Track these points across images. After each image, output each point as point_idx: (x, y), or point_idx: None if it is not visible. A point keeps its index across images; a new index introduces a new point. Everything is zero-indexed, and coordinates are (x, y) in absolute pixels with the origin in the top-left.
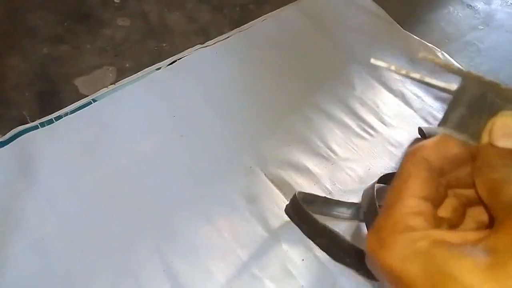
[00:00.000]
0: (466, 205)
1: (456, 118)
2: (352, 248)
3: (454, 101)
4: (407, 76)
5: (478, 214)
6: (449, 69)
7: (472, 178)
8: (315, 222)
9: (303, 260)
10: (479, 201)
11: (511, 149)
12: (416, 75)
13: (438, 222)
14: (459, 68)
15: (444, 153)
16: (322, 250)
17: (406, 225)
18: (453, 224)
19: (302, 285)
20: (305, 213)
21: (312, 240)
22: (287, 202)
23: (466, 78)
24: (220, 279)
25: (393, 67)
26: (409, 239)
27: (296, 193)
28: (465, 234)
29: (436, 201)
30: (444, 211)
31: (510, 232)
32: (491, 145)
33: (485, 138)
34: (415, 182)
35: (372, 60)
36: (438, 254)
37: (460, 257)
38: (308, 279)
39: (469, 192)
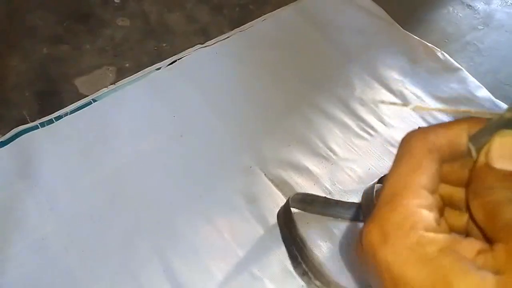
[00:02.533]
0: (445, 203)
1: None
2: (319, 272)
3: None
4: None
5: (452, 216)
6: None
7: (457, 177)
8: (295, 231)
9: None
10: (456, 204)
11: (510, 171)
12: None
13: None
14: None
15: (453, 144)
16: (290, 258)
17: (414, 222)
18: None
19: (302, 285)
20: (291, 219)
21: (286, 246)
22: None
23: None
24: (220, 279)
25: (440, 106)
26: (417, 241)
27: (290, 198)
28: (472, 244)
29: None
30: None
31: None
32: (488, 166)
33: (482, 159)
34: (426, 174)
35: (413, 107)
36: (446, 265)
37: (468, 273)
38: None
39: (451, 190)
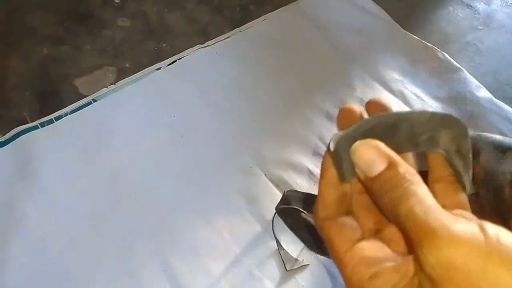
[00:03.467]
0: None
1: None
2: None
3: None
4: None
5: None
6: None
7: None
8: (299, 215)
9: (303, 260)
10: None
11: (382, 173)
12: None
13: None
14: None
15: (328, 202)
16: (303, 242)
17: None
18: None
19: (302, 285)
20: (291, 207)
21: (295, 234)
22: None
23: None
24: (219, 279)
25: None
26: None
27: (286, 192)
28: (407, 269)
29: (377, 232)
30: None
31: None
32: (367, 178)
33: (360, 175)
34: (346, 251)
35: None
36: None
37: None
38: (308, 279)
39: None
